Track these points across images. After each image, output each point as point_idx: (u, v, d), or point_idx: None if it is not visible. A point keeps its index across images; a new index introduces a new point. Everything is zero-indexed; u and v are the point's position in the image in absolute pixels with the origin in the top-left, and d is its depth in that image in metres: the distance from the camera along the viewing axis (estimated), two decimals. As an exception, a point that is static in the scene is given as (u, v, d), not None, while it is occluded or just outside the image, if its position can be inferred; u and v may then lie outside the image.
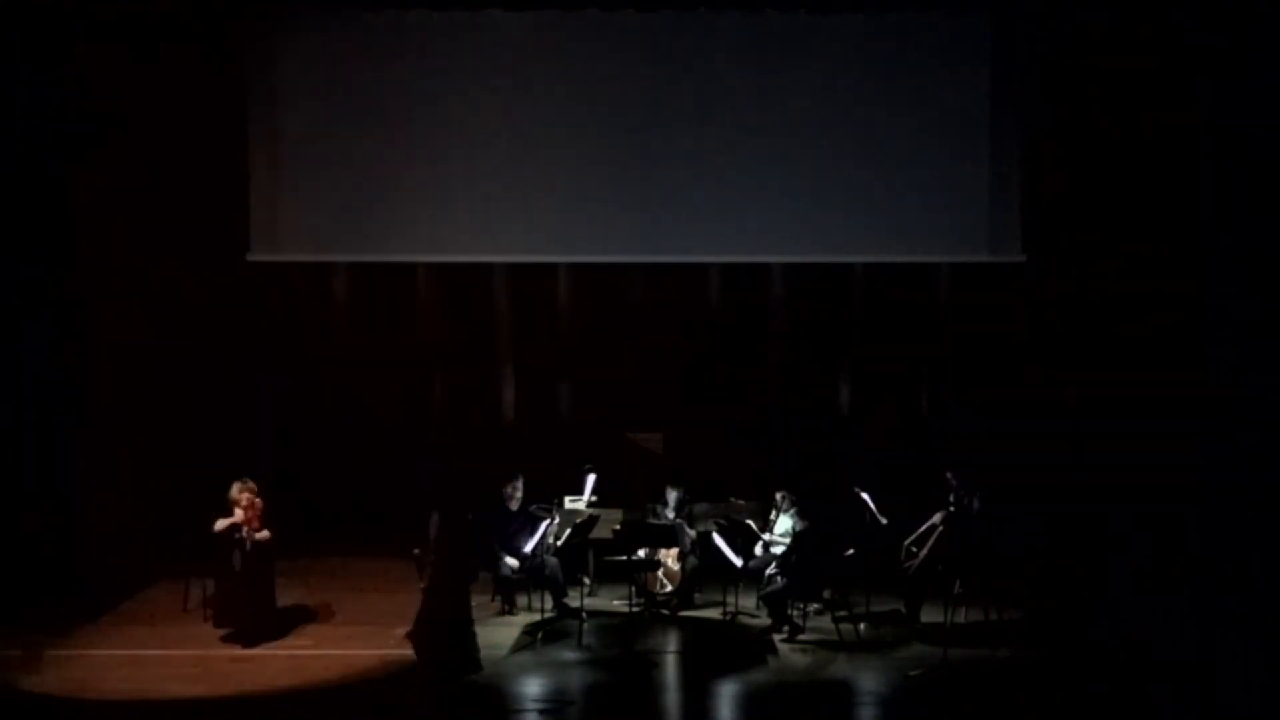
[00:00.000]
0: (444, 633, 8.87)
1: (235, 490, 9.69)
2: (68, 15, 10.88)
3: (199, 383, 12.15)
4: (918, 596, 10.14)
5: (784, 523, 10.49)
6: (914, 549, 10.23)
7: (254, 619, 9.59)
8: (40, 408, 10.87)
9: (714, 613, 10.67)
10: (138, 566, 11.14)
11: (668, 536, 10.49)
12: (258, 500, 9.76)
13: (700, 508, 10.82)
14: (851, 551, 10.10)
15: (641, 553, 10.60)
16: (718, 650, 9.71)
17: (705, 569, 10.86)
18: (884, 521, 10.52)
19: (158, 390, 11.94)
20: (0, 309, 10.67)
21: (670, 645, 9.89)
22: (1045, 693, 8.68)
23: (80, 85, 11.12)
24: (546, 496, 10.82)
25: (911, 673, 8.99)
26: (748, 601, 10.57)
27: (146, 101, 11.81)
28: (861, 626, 9.95)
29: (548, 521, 10.53)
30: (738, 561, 10.57)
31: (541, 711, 8.34)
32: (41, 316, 10.87)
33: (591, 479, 11.13)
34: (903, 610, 10.26)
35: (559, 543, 10.34)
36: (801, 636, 9.96)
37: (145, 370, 11.86)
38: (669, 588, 10.88)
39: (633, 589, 10.23)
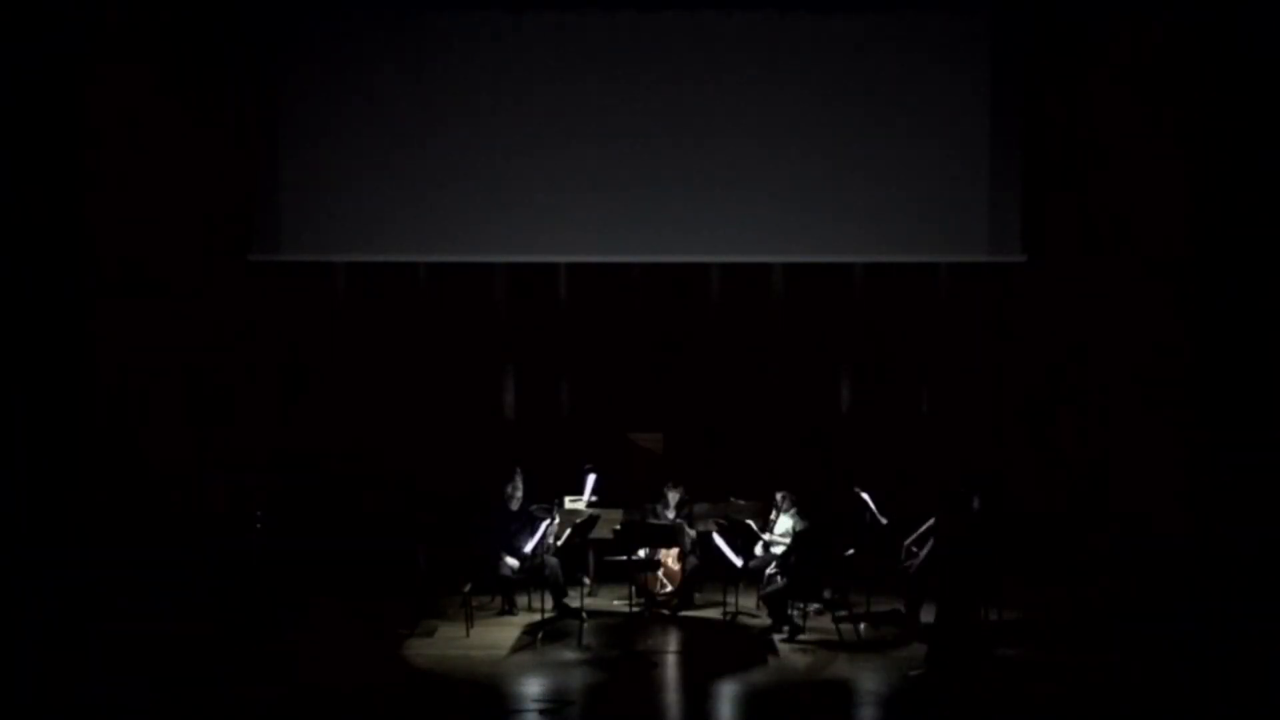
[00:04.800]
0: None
1: None
2: (71, 18, 10.89)
3: (199, 383, 12.15)
4: (918, 596, 10.14)
5: (784, 523, 10.50)
6: (914, 549, 10.23)
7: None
8: (41, 409, 10.87)
9: (714, 613, 10.67)
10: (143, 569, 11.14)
11: (668, 536, 10.49)
12: None
13: (700, 508, 10.83)
14: (851, 551, 10.11)
15: (641, 553, 10.60)
16: (718, 650, 9.71)
17: (705, 569, 10.87)
18: (884, 521, 10.53)
19: (158, 391, 11.95)
20: (4, 310, 10.68)
21: (670, 645, 9.90)
22: (1046, 693, 8.69)
23: (83, 86, 11.13)
24: (546, 496, 10.83)
25: (911, 673, 8.99)
26: (748, 601, 10.58)
27: (147, 101, 11.82)
28: (861, 626, 9.95)
29: (548, 521, 10.54)
30: (738, 561, 10.57)
31: (541, 711, 8.34)
32: (44, 317, 10.88)
33: (591, 479, 11.14)
34: (903, 610, 10.26)
35: (559, 543, 10.35)
36: (801, 636, 9.96)
37: (145, 370, 11.87)
38: (669, 588, 10.89)
39: (633, 589, 10.23)
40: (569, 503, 10.92)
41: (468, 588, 10.21)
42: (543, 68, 12.30)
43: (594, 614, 10.37)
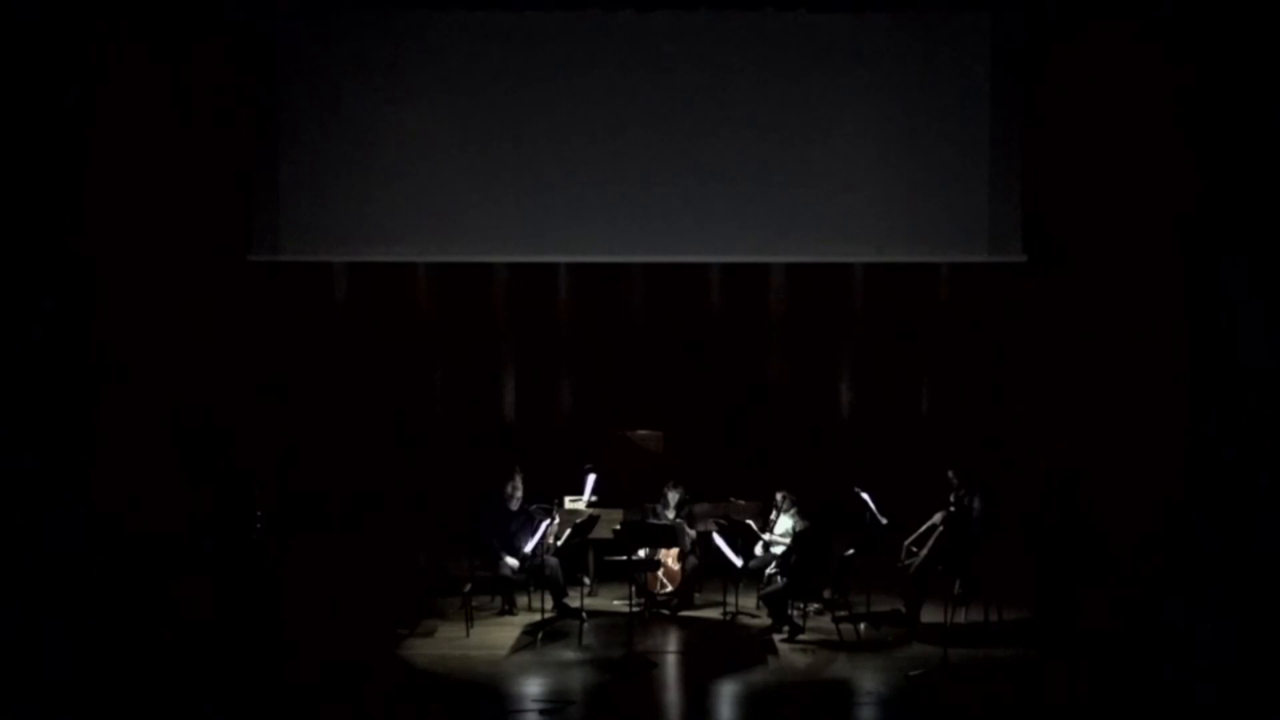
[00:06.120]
0: None
1: None
2: (71, 15, 10.88)
3: (199, 383, 12.14)
4: (918, 596, 10.14)
5: (784, 523, 10.50)
6: (914, 549, 10.24)
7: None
8: (45, 412, 10.85)
9: (714, 613, 10.67)
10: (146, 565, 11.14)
11: (668, 536, 10.49)
12: None
13: (700, 508, 10.83)
14: (851, 551, 10.11)
15: (641, 553, 10.60)
16: (718, 650, 9.71)
17: (705, 569, 10.87)
18: (884, 521, 10.53)
19: (159, 391, 11.94)
20: (5, 310, 10.67)
21: (670, 645, 9.90)
22: (1045, 693, 8.69)
23: (83, 87, 11.11)
24: (546, 496, 10.83)
25: (911, 673, 8.99)
26: (748, 601, 10.58)
27: (148, 101, 11.81)
28: (861, 626, 9.95)
29: (548, 521, 10.54)
30: (738, 561, 10.57)
31: (541, 711, 8.34)
32: (46, 317, 10.87)
33: (591, 479, 11.14)
34: (903, 610, 10.26)
35: (559, 543, 10.35)
36: (801, 636, 9.96)
37: (147, 370, 11.86)
38: (669, 588, 10.89)
39: (633, 589, 10.23)
40: (569, 503, 10.92)
41: (468, 588, 10.22)
42: (542, 67, 12.30)
43: (594, 614, 10.37)
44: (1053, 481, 12.02)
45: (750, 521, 10.49)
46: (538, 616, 10.30)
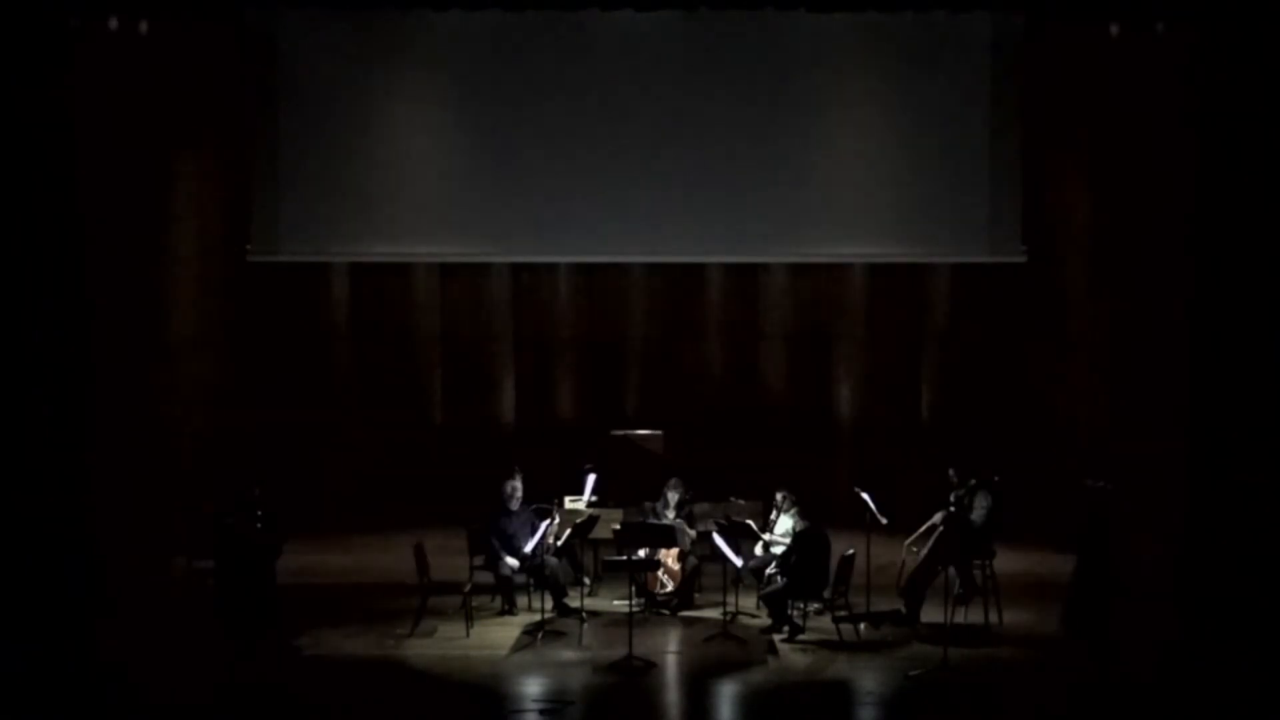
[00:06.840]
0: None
1: None
2: (68, 15, 10.89)
3: (200, 383, 12.16)
4: (918, 596, 10.14)
5: (784, 523, 10.49)
6: (914, 549, 10.24)
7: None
8: (47, 411, 10.85)
9: (714, 613, 10.66)
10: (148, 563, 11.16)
11: (668, 536, 10.48)
12: None
13: (700, 508, 10.83)
14: (851, 551, 10.10)
15: (641, 553, 10.59)
16: (718, 650, 9.70)
17: (705, 569, 10.86)
18: (884, 521, 10.53)
19: (160, 390, 11.95)
20: (6, 308, 10.67)
21: (670, 645, 9.89)
22: (1045, 693, 8.69)
23: (80, 87, 11.10)
24: (546, 496, 10.83)
25: (911, 673, 8.99)
26: (748, 601, 10.57)
27: (148, 102, 11.81)
28: (861, 626, 9.94)
29: (548, 521, 10.53)
30: (738, 561, 10.56)
31: (541, 711, 8.34)
32: (47, 315, 10.88)
33: (591, 479, 11.14)
34: (903, 610, 10.26)
35: (559, 543, 10.35)
36: (801, 636, 9.96)
37: (148, 370, 11.87)
38: (669, 588, 10.88)
39: (633, 589, 10.22)
40: (569, 503, 10.92)
41: (468, 588, 10.21)
42: (542, 67, 12.31)
43: (594, 614, 10.37)
44: (1057, 482, 12.03)
45: (750, 521, 10.49)
46: (538, 616, 10.29)
